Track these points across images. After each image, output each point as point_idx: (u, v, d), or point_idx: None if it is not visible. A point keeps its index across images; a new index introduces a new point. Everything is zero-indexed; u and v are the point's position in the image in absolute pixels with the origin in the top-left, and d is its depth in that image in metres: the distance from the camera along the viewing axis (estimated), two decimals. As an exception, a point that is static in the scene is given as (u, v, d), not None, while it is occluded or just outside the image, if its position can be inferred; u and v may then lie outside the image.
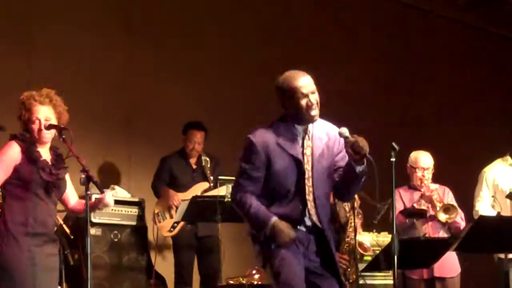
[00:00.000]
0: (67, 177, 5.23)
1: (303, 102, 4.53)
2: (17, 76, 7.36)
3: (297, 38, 9.21)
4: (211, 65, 8.97)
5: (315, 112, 4.55)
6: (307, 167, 4.58)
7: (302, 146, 4.61)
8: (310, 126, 4.63)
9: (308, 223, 4.58)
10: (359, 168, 4.46)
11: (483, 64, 11.28)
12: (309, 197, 4.57)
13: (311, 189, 4.57)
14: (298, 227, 4.55)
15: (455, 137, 10.43)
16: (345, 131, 4.47)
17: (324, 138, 4.66)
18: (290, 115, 4.60)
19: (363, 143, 4.40)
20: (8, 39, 7.85)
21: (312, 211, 4.58)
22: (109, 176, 8.30)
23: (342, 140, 4.56)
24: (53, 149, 5.17)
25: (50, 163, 5.06)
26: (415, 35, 10.67)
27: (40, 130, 5.03)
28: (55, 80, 7.56)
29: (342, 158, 4.64)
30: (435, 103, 10.59)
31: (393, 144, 4.66)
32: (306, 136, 4.63)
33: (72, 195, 5.30)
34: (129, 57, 8.50)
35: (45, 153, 5.08)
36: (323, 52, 4.54)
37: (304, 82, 4.55)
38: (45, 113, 5.05)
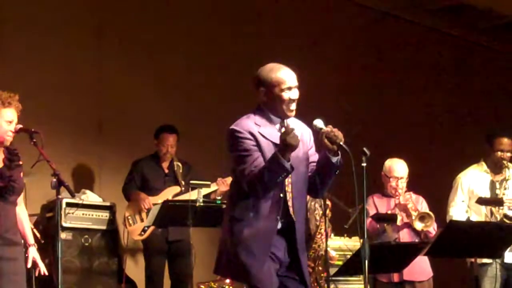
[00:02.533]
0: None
1: (287, 95, 4.56)
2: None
3: (271, 42, 9.23)
4: (182, 69, 8.95)
5: (294, 107, 4.59)
6: None
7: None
8: (285, 120, 4.65)
9: (284, 216, 4.54)
10: (334, 159, 4.49)
11: (456, 70, 11.37)
12: (288, 188, 4.56)
13: (290, 179, 4.54)
14: (278, 217, 4.50)
15: (427, 145, 10.49)
16: (319, 122, 4.52)
17: (298, 132, 4.62)
18: (268, 107, 4.61)
19: (337, 133, 4.44)
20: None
21: (289, 201, 4.55)
22: (80, 180, 8.25)
23: (312, 137, 4.65)
24: (7, 147, 5.08)
25: (2, 164, 4.98)
26: (387, 42, 10.72)
27: (12, 131, 4.98)
28: (26, 83, 7.55)
29: (313, 154, 4.68)
30: (407, 110, 10.64)
31: (364, 149, 4.66)
32: (283, 128, 4.64)
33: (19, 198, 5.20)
34: (100, 61, 8.45)
35: None
36: (296, 59, 4.56)
37: (291, 76, 4.60)
38: (12, 115, 5.01)
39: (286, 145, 4.35)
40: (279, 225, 4.54)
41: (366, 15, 10.50)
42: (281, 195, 4.52)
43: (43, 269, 5.20)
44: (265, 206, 4.49)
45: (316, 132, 4.55)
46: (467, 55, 11.54)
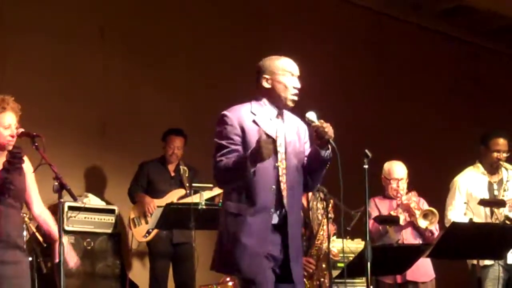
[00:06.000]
0: (32, 180, 5.17)
1: (290, 81, 4.62)
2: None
3: (273, 43, 9.20)
4: (187, 72, 8.96)
5: (294, 97, 4.63)
6: (280, 149, 4.58)
7: (276, 128, 4.63)
8: (283, 112, 4.69)
9: (278, 208, 4.54)
10: (323, 153, 4.51)
11: (458, 73, 11.37)
12: (282, 179, 4.56)
13: (284, 171, 4.56)
14: (272, 211, 4.50)
15: (425, 145, 10.47)
16: (312, 115, 4.54)
17: (295, 126, 4.71)
18: (270, 95, 4.64)
19: (328, 128, 4.46)
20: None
21: (284, 193, 4.55)
22: (83, 184, 8.26)
23: (307, 132, 4.68)
24: (10, 150, 5.07)
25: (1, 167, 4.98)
26: (389, 43, 10.73)
27: (12, 136, 4.97)
28: (29, 87, 7.57)
29: (307, 149, 4.70)
30: (406, 111, 10.63)
31: (366, 151, 4.67)
32: (280, 120, 4.67)
33: (35, 201, 5.23)
34: (104, 65, 8.46)
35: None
36: (297, 60, 4.59)
37: (294, 65, 4.69)
38: (10, 119, 5.01)
39: (258, 152, 4.34)
40: (276, 219, 4.54)
41: (368, 17, 10.51)
42: (274, 186, 4.53)
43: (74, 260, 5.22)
44: (258, 199, 4.49)
45: (308, 124, 4.58)
46: (470, 57, 11.53)
